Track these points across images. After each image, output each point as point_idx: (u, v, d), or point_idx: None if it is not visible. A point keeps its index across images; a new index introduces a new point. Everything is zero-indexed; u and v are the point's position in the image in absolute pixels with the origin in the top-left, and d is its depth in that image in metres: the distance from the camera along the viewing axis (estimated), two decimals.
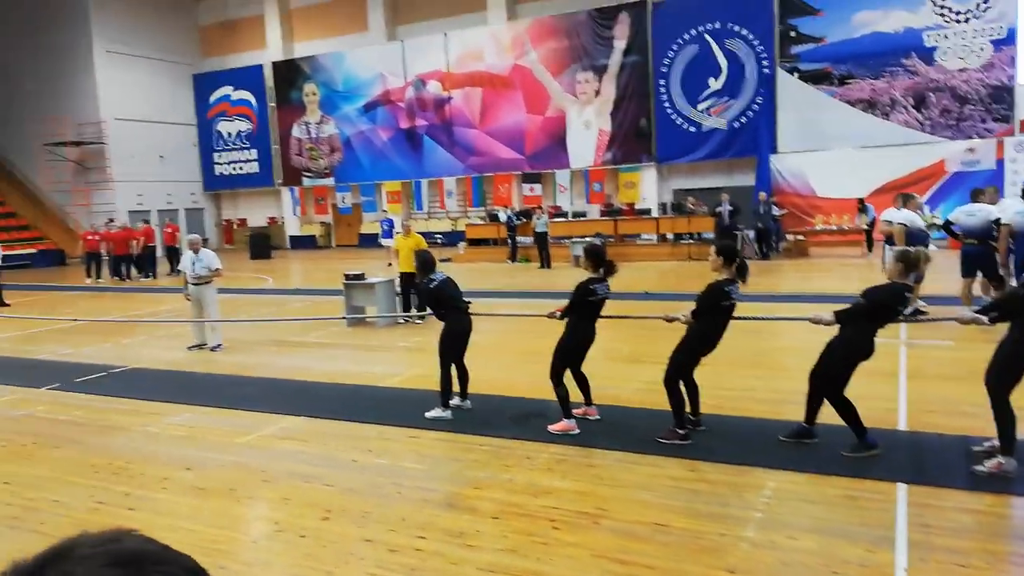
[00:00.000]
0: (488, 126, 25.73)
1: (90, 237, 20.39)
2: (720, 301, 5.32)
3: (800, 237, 19.20)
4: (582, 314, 5.76)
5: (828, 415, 5.09)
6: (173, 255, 20.98)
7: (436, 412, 6.24)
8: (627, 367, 7.73)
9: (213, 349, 9.78)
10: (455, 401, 6.42)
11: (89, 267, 20.20)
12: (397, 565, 3.80)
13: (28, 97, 29.22)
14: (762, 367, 7.57)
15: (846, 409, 4.95)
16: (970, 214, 9.16)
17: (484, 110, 25.73)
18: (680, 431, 5.34)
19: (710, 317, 5.36)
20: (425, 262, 6.58)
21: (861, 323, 4.99)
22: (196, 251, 9.73)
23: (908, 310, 4.97)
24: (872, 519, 4.06)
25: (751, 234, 18.36)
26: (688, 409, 5.54)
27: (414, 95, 26.92)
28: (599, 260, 5.79)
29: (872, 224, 16.68)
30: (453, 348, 6.29)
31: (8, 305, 15.13)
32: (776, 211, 18.83)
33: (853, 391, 4.99)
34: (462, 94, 26.06)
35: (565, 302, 5.86)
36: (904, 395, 6.35)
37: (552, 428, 5.71)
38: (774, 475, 4.73)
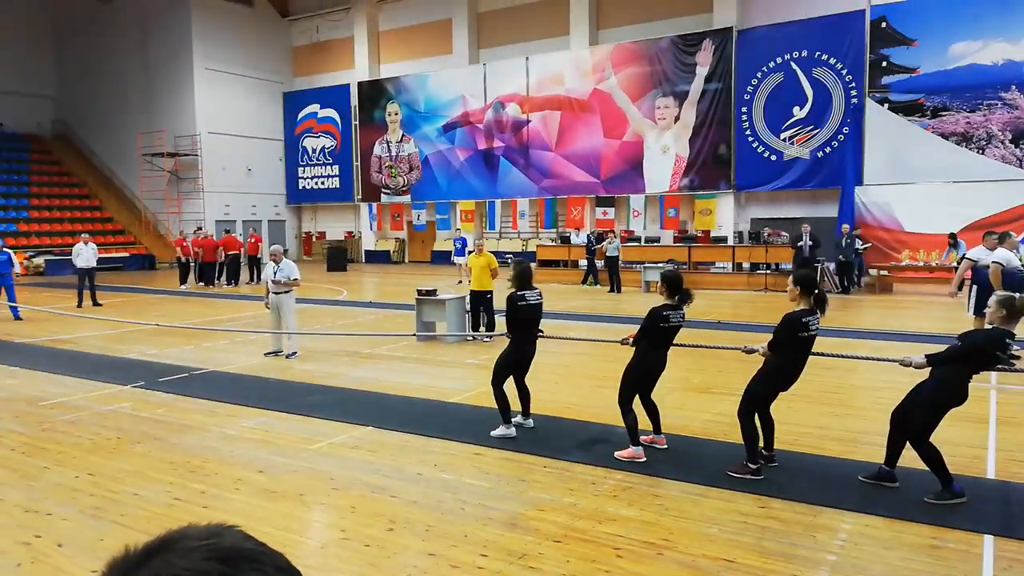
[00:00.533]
0: (564, 149, 25.85)
1: (184, 244, 21.28)
2: (797, 332, 5.14)
3: (884, 272, 18.49)
4: (654, 341, 5.68)
5: (910, 459, 4.86)
6: (255, 264, 21.74)
7: (501, 430, 6.26)
8: (698, 397, 7.57)
9: (288, 356, 10.07)
10: (517, 419, 6.43)
11: (184, 273, 21.04)
12: None
13: (133, 111, 31.06)
14: (838, 405, 7.29)
15: (931, 455, 4.72)
16: None
17: (561, 133, 25.88)
18: (752, 465, 5.18)
19: (788, 350, 5.19)
20: (522, 274, 6.47)
21: (956, 367, 4.75)
22: (277, 261, 10.06)
23: (1008, 357, 4.69)
24: (955, 571, 3.84)
25: (832, 267, 17.79)
26: (761, 444, 5.38)
27: (493, 117, 27.31)
28: (675, 287, 5.70)
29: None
30: (506, 372, 6.39)
31: (101, 305, 15.93)
32: (860, 244, 18.19)
33: (939, 436, 4.76)
34: (540, 117, 26.29)
35: (636, 328, 5.80)
36: (993, 442, 6.00)
37: (619, 455, 5.63)
38: (849, 517, 4.53)
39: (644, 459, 5.56)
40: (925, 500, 4.68)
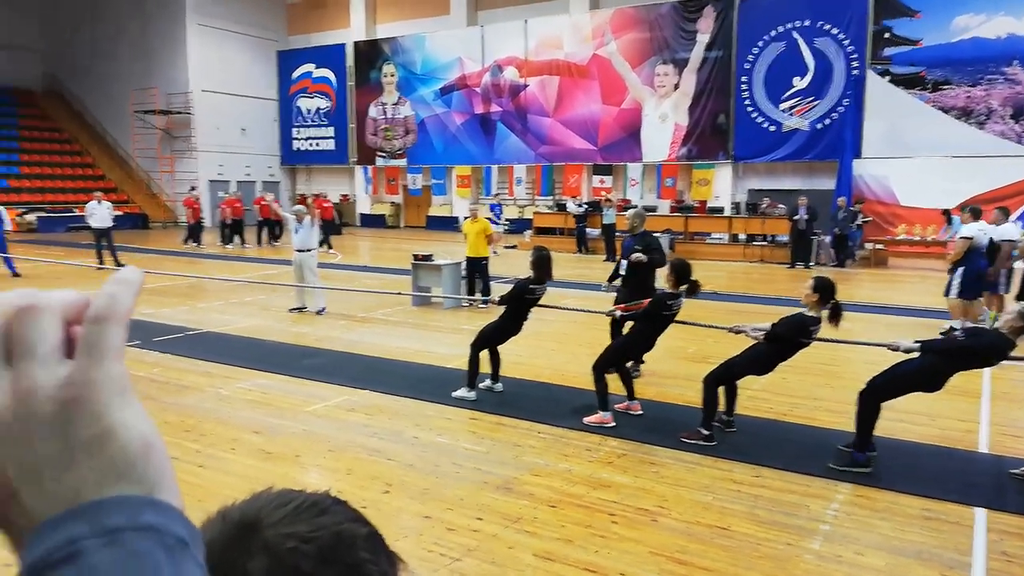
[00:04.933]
0: (562, 115, 25.59)
1: (195, 205, 21.08)
2: (800, 337, 5.12)
3: (880, 246, 18.51)
4: (651, 326, 5.76)
5: (900, 430, 4.90)
6: (266, 227, 21.35)
7: (463, 392, 6.37)
8: (692, 366, 7.60)
9: (318, 313, 10.36)
10: (486, 383, 6.56)
11: (193, 233, 20.99)
12: (454, 544, 3.84)
13: (125, 66, 30.50)
14: (833, 376, 7.34)
15: (871, 416, 4.75)
16: None
17: (559, 99, 25.59)
18: (705, 431, 5.28)
19: (782, 346, 5.20)
20: (542, 261, 6.29)
21: (946, 360, 4.65)
22: (300, 221, 10.31)
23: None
24: (948, 542, 3.89)
25: (828, 239, 17.79)
26: (723, 408, 5.51)
27: (490, 81, 26.96)
28: (683, 277, 5.69)
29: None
30: (490, 341, 6.47)
31: (124, 266, 15.59)
32: (861, 218, 18.14)
33: (933, 408, 4.79)
34: (538, 82, 25.97)
35: (630, 305, 5.90)
36: (987, 416, 6.06)
37: (588, 420, 5.72)
38: (843, 487, 4.58)
39: (613, 424, 5.65)
40: (830, 465, 4.75)
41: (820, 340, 5.41)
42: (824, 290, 5.07)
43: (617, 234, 18.87)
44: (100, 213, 15.34)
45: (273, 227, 21.24)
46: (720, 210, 21.54)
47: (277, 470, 4.83)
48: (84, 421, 0.37)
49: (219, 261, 17.66)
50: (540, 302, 6.48)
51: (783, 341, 5.15)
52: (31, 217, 25.76)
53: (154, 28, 29.59)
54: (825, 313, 5.04)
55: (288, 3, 32.57)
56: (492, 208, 21.18)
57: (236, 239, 20.94)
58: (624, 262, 7.18)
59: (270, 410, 6.11)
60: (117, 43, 30.64)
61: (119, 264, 15.35)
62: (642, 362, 7.19)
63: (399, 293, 10.54)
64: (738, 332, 5.50)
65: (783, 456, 5.08)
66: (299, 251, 10.37)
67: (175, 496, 0.38)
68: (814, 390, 6.78)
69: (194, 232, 21.03)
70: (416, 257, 11.53)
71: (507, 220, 24.96)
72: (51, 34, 33.17)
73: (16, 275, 13.94)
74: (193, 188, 23.61)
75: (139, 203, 29.73)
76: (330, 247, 19.60)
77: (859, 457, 4.76)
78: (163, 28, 29.37)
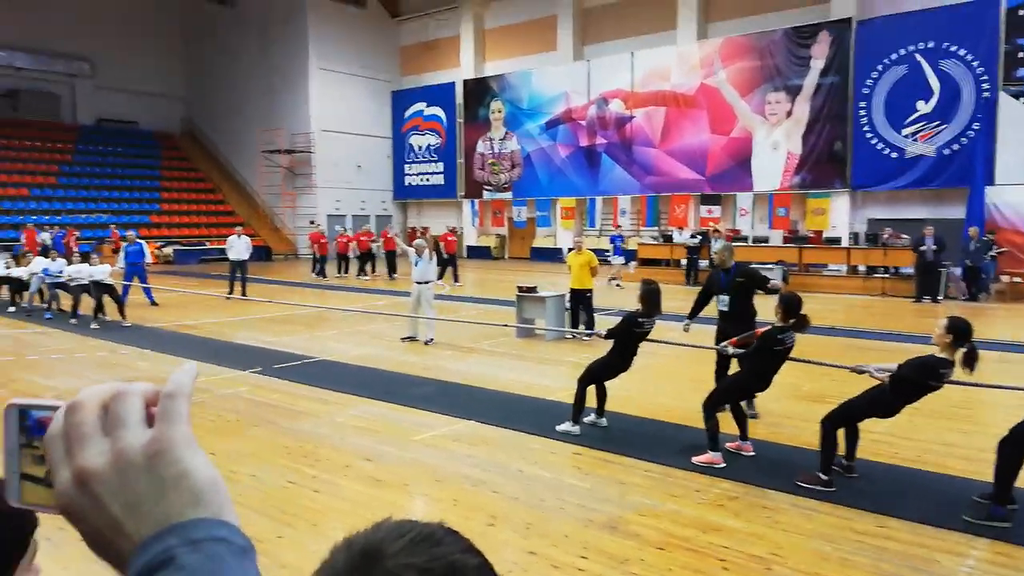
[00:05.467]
0: (668, 145, 25.34)
1: (323, 240, 22.06)
2: (929, 380, 4.80)
3: (1017, 279, 17.11)
4: (763, 364, 5.55)
5: None
6: (389, 258, 22.04)
7: (567, 426, 6.30)
8: (807, 406, 7.25)
9: (427, 343, 10.67)
10: (591, 418, 6.49)
11: (315, 265, 21.94)
12: None
13: (253, 109, 32.79)
14: (966, 421, 6.81)
15: (1015, 467, 4.38)
16: None
17: (666, 129, 25.38)
18: (824, 476, 4.98)
19: (908, 388, 4.88)
20: (651, 295, 6.21)
21: None
22: (420, 254, 10.76)
23: None
24: None
25: (958, 271, 16.63)
26: (842, 451, 5.21)
27: (596, 113, 27.11)
28: (793, 311, 5.48)
29: None
30: (597, 376, 6.40)
31: (247, 298, 15.61)
32: (994, 249, 16.89)
33: None
34: (644, 113, 25.88)
35: (743, 338, 5.72)
36: None
37: (696, 459, 5.53)
38: (980, 543, 4.22)
39: (723, 464, 5.45)
40: (965, 518, 4.35)
41: (952, 383, 5.06)
42: (959, 332, 4.71)
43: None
44: (239, 246, 16.10)
45: (392, 259, 21.95)
46: (837, 240, 20.59)
47: (386, 497, 4.95)
48: (167, 466, 0.50)
49: (339, 292, 18.45)
50: (648, 336, 6.39)
51: (910, 384, 4.84)
52: (168, 250, 27.88)
53: (280, 73, 31.68)
54: (959, 356, 4.70)
55: (402, 46, 34.09)
56: (613, 240, 20.52)
57: (367, 270, 21.74)
58: (724, 297, 6.98)
59: (380, 437, 6.29)
60: (247, 88, 33.01)
61: (245, 295, 15.84)
62: (753, 398, 6.91)
63: (505, 325, 10.64)
64: (861, 372, 5.20)
65: (911, 506, 4.74)
66: (418, 283, 10.77)
67: (234, 517, 0.51)
68: (944, 435, 6.32)
69: (320, 264, 21.93)
70: (520, 289, 11.66)
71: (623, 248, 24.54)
72: (191, 83, 36.18)
73: (154, 304, 15.05)
74: (312, 222, 24.91)
75: (263, 236, 31.61)
76: (456, 279, 20.01)
77: (998, 511, 4.39)
78: (288, 73, 31.41)
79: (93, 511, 0.50)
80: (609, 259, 19.98)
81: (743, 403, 6.01)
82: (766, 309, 6.20)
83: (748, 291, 6.94)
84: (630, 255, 21.10)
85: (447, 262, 20.33)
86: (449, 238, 21.08)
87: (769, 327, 5.60)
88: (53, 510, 0.54)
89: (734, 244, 20.24)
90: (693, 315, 7.40)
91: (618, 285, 18.66)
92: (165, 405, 0.52)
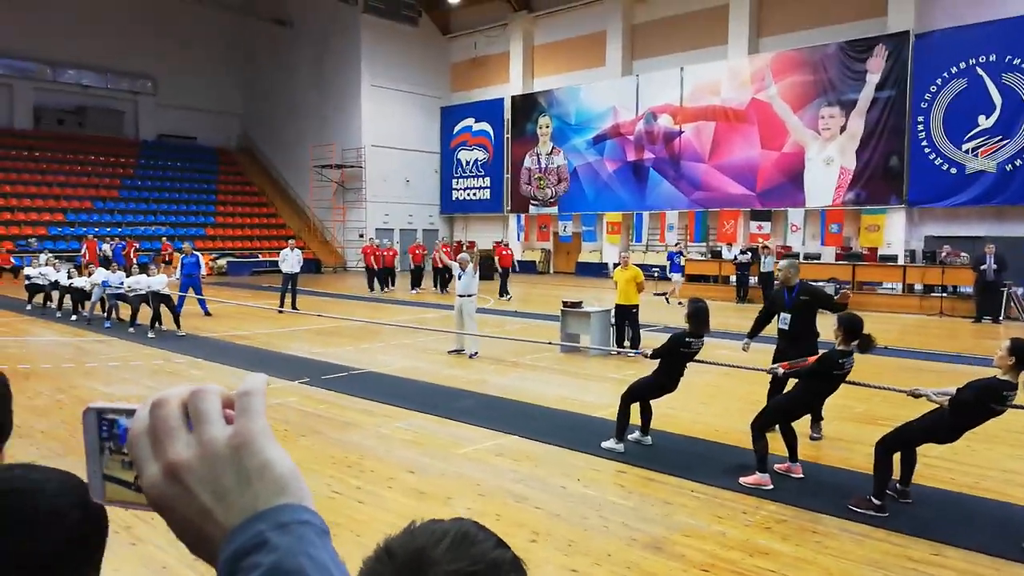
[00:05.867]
0: (717, 160, 25.08)
1: (377, 253, 21.77)
2: (991, 403, 4.62)
3: None
4: (819, 386, 5.43)
5: None
6: (419, 273, 22.08)
7: (611, 443, 6.25)
8: (858, 428, 7.06)
9: (471, 356, 10.76)
10: (635, 435, 6.42)
11: (371, 280, 21.71)
12: None
13: (306, 125, 33.60)
14: None
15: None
16: None
17: (715, 144, 25.13)
18: (877, 501, 4.82)
19: (972, 411, 4.71)
20: (699, 314, 6.12)
21: None
22: (464, 268, 10.90)
23: None
24: None
25: (1021, 291, 16.03)
26: (897, 476, 5.05)
27: (644, 128, 27.01)
28: (855, 333, 5.35)
29: None
30: (642, 395, 6.33)
31: (298, 311, 15.82)
32: None
33: None
34: (693, 128, 25.68)
35: (798, 364, 5.60)
36: None
37: (744, 480, 5.41)
38: None
39: (771, 486, 5.32)
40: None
41: (1016, 407, 4.87)
42: (1022, 354, 4.57)
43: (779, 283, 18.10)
44: (291, 259, 16.33)
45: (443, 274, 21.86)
46: (893, 258, 20.05)
47: (429, 510, 4.97)
48: (250, 456, 0.54)
49: (388, 305, 18.69)
50: (696, 357, 6.29)
51: (971, 408, 4.67)
52: (222, 262, 28.64)
53: (333, 90, 32.42)
54: (1023, 379, 4.54)
55: (452, 63, 34.55)
56: (670, 257, 20.19)
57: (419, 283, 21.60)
58: (786, 316, 6.80)
59: (424, 450, 6.34)
60: (301, 105, 33.86)
61: (296, 308, 16.02)
62: (820, 419, 6.71)
63: (549, 343, 10.57)
64: (918, 396, 5.04)
65: (968, 534, 4.56)
66: (461, 296, 10.89)
67: (312, 504, 0.55)
68: (1004, 461, 6.07)
69: (377, 278, 21.60)
70: (565, 304, 11.63)
71: (656, 267, 24.29)
72: (248, 100, 37.28)
73: (208, 314, 15.46)
74: (361, 235, 25.26)
75: (313, 249, 32.24)
76: (507, 293, 20.00)
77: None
78: (341, 90, 32.11)
79: (183, 501, 0.53)
80: (668, 276, 19.90)
81: (810, 424, 5.89)
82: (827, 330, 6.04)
83: (812, 310, 6.73)
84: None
85: (503, 275, 20.45)
86: (504, 252, 21.10)
87: (829, 350, 5.47)
88: (137, 506, 0.58)
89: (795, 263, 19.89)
90: (753, 334, 7.19)
91: (667, 300, 18.46)
92: (244, 401, 0.56)
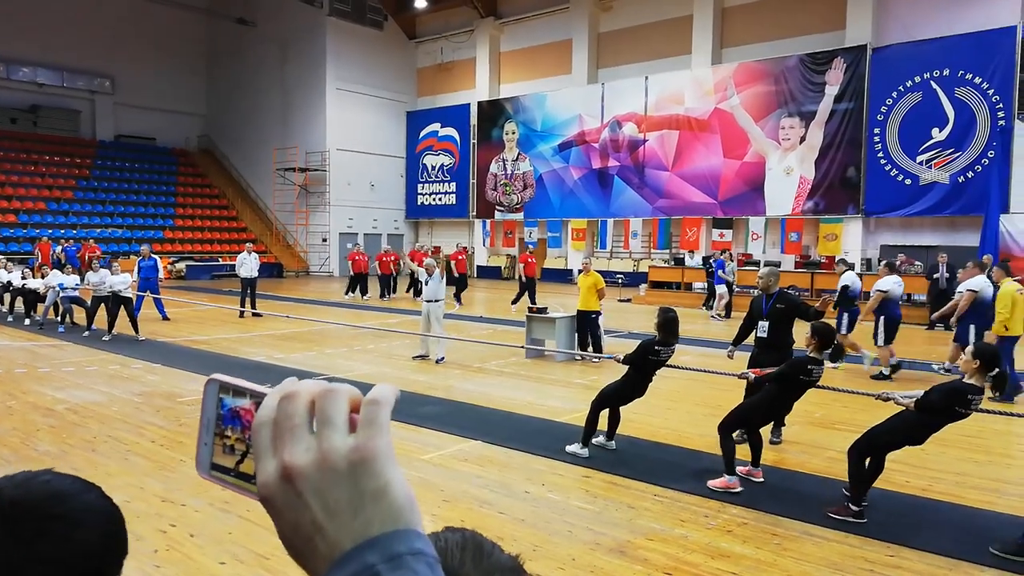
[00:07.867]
0: (681, 169, 25.41)
1: (357, 258, 21.18)
2: (955, 407, 4.71)
3: None
4: (788, 390, 5.50)
5: None
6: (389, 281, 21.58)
7: (576, 448, 6.29)
8: (817, 432, 7.20)
9: (437, 361, 10.74)
10: (600, 439, 6.48)
11: (353, 285, 21.17)
12: None
13: (269, 128, 33.17)
14: (980, 450, 6.72)
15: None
16: None
17: (679, 153, 25.46)
18: (855, 507, 4.90)
19: (936, 415, 4.81)
20: (669, 323, 6.14)
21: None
22: (431, 274, 10.89)
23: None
24: None
25: None
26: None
27: (609, 136, 27.24)
28: (828, 342, 5.41)
29: None
30: (611, 402, 6.38)
31: (260, 315, 15.70)
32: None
33: None
34: (657, 136, 25.99)
35: (769, 370, 5.67)
36: None
37: (712, 484, 5.47)
38: (989, 572, 4.16)
39: (739, 489, 5.39)
40: (992, 551, 4.21)
41: (981, 411, 4.99)
42: (987, 357, 4.67)
43: (738, 290, 18.34)
44: (249, 264, 16.11)
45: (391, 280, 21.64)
46: (851, 266, 20.46)
47: None
48: (369, 477, 0.50)
49: (353, 310, 18.50)
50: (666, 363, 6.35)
51: (936, 410, 4.77)
52: (181, 265, 28.08)
53: (297, 93, 32.07)
54: (988, 383, 4.66)
55: (418, 68, 34.46)
56: (717, 265, 17.83)
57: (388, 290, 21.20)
58: (764, 323, 6.86)
59: None
60: (264, 107, 33.44)
61: (256, 313, 15.86)
62: (782, 425, 6.80)
63: (519, 346, 10.61)
64: (886, 399, 5.13)
65: (922, 535, 4.68)
66: (428, 301, 10.87)
67: (423, 528, 0.52)
68: (957, 464, 6.24)
69: (358, 284, 21.07)
70: (531, 309, 11.66)
71: (620, 273, 24.42)
72: (209, 100, 36.69)
73: (166, 319, 15.13)
74: (324, 240, 24.96)
75: (276, 253, 31.82)
76: (459, 301, 19.55)
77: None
78: (305, 92, 31.78)
79: (295, 507, 0.50)
80: (717, 288, 17.71)
81: (769, 428, 5.95)
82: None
83: (788, 318, 6.73)
84: (641, 278, 20.92)
85: (458, 281, 20.23)
86: (459, 257, 21.04)
87: (799, 356, 5.53)
88: (237, 490, 0.55)
89: (744, 268, 20.21)
90: (738, 341, 7.18)
91: (709, 309, 17.79)
92: (370, 411, 0.52)
